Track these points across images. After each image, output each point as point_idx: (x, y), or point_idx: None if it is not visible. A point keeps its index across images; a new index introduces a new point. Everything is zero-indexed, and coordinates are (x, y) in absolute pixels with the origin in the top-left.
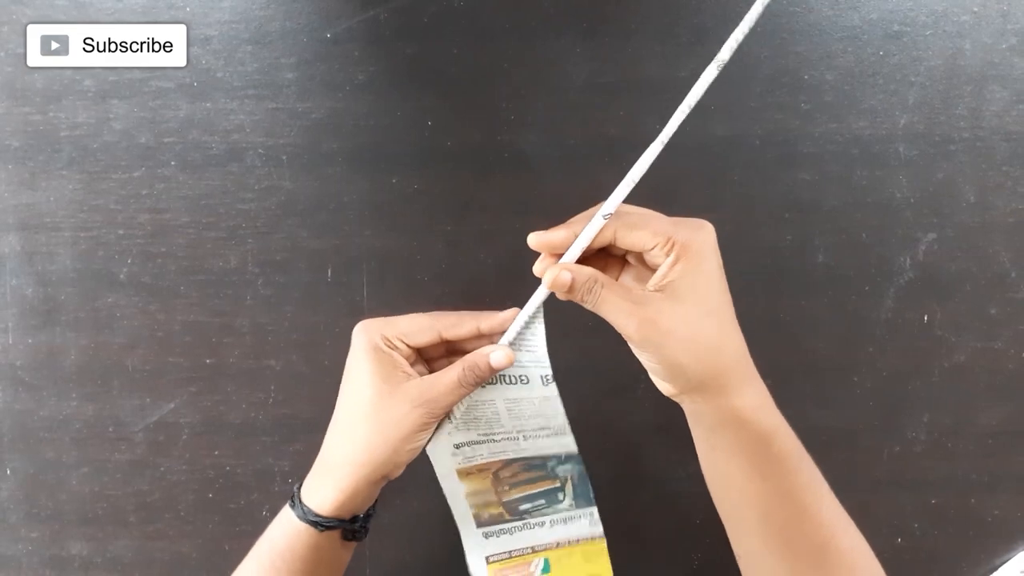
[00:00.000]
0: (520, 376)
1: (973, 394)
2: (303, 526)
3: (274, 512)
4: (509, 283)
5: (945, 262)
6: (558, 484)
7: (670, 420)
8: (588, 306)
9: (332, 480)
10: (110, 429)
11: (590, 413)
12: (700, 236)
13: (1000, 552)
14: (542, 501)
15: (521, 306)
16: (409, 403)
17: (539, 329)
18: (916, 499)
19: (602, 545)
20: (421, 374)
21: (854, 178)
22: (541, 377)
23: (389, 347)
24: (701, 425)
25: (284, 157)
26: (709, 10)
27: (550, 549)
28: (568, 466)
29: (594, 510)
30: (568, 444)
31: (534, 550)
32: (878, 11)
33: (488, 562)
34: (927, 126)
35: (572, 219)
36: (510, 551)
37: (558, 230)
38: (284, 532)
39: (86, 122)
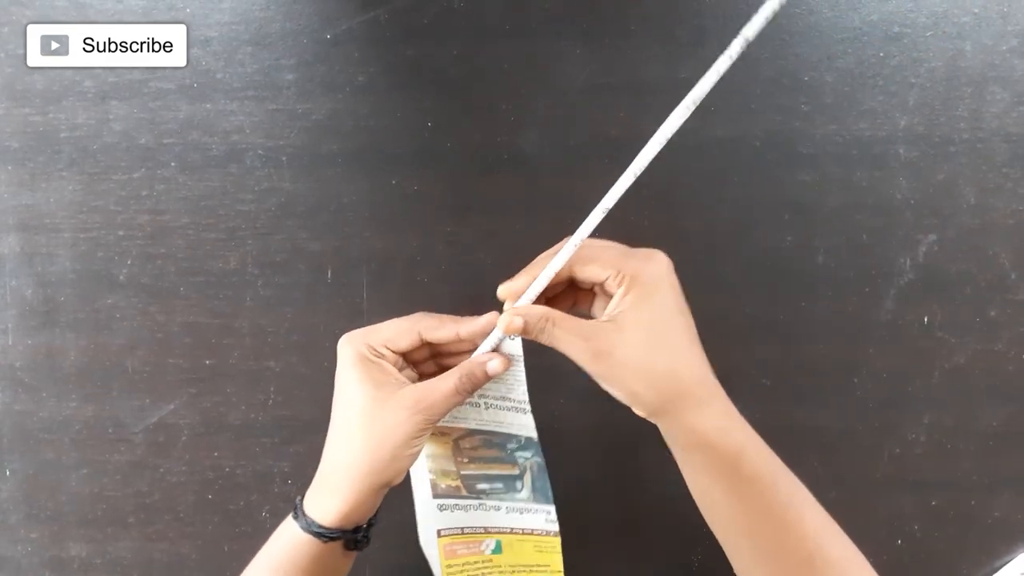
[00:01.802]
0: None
1: (973, 395)
2: (306, 537)
3: (274, 513)
4: None
5: (945, 263)
6: (517, 472)
7: None
8: (545, 343)
9: (335, 491)
10: (110, 430)
11: (589, 413)
12: (649, 267)
13: (1001, 553)
14: (500, 485)
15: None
16: (406, 410)
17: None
18: (916, 500)
19: (556, 542)
20: (410, 378)
21: (854, 179)
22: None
23: (376, 356)
24: (674, 447)
25: (284, 158)
26: (709, 12)
27: (503, 533)
28: (528, 454)
29: (551, 509)
30: (527, 425)
31: (487, 531)
32: (878, 12)
33: (440, 535)
34: (927, 127)
35: (533, 261)
36: (463, 527)
37: (519, 277)
38: (286, 543)
39: (86, 123)
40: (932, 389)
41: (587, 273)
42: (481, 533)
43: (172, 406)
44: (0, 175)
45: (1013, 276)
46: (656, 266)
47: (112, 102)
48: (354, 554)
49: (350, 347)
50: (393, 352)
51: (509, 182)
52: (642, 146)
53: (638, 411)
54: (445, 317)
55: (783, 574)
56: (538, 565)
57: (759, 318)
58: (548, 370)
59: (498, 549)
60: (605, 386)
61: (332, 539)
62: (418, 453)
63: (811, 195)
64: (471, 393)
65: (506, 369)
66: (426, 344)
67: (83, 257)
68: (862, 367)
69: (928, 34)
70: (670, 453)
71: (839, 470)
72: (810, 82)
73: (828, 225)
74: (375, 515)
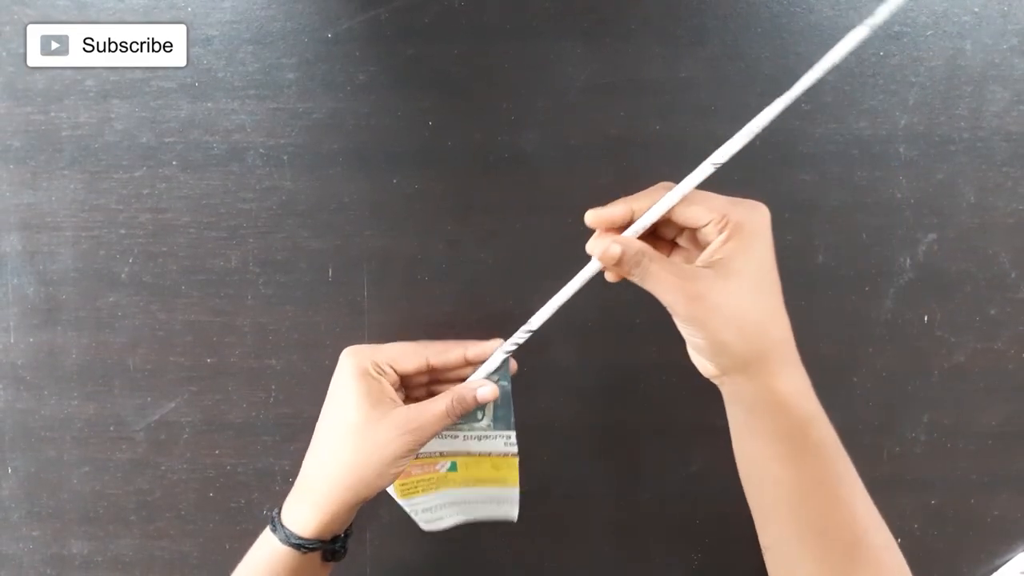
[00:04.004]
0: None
1: (973, 394)
2: (285, 549)
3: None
4: (510, 283)
5: (945, 262)
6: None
7: (670, 420)
8: (636, 280)
9: (314, 503)
10: (111, 428)
11: (588, 413)
12: (755, 216)
13: (1000, 552)
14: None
15: (521, 311)
16: (396, 430)
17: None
18: (916, 499)
19: (514, 461)
20: (404, 401)
21: (854, 178)
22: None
23: (378, 373)
24: (739, 408)
25: (285, 157)
26: (710, 11)
27: (459, 455)
28: (493, 379)
29: (512, 433)
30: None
31: (442, 454)
32: None
33: None
34: (927, 126)
35: (629, 197)
36: (416, 453)
37: (616, 205)
38: (265, 555)
39: (87, 122)
40: (932, 388)
41: (690, 214)
42: (436, 456)
43: (173, 404)
44: (2, 174)
45: (1013, 275)
46: (761, 218)
47: (113, 101)
48: (331, 564)
49: (354, 360)
50: (396, 372)
51: (510, 181)
52: (641, 146)
53: (712, 366)
54: (449, 342)
55: (825, 552)
56: (493, 479)
57: None
58: (547, 369)
59: (453, 468)
60: (689, 332)
61: (311, 550)
62: (400, 472)
63: (811, 194)
64: (460, 417)
65: (495, 397)
66: (428, 369)
67: (85, 255)
68: (861, 366)
69: (928, 33)
70: (668, 453)
71: None
72: None
73: (828, 224)
74: (350, 526)
